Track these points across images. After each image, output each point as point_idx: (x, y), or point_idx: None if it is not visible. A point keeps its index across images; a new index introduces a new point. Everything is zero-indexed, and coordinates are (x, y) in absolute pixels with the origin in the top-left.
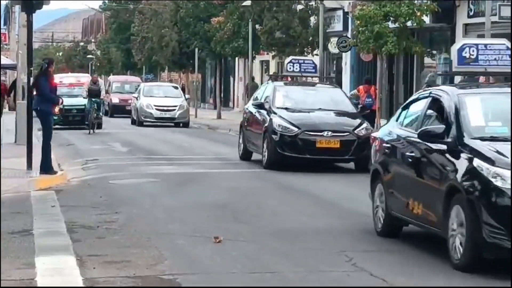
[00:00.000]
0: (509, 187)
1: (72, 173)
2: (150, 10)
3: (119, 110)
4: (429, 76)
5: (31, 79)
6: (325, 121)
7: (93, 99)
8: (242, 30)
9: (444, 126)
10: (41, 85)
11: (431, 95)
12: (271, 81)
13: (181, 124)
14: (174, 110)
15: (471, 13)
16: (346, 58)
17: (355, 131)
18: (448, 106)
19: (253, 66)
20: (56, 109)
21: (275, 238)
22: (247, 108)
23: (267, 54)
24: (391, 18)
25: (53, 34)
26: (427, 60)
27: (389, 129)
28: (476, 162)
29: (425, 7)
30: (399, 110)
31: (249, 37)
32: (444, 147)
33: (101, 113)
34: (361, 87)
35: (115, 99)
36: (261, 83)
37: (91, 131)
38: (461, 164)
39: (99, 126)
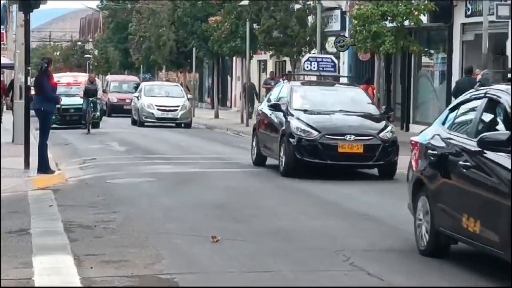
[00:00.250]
0: None
1: (69, 173)
2: (148, 9)
3: (117, 110)
4: (483, 74)
5: (29, 79)
6: (348, 124)
7: (90, 99)
8: (240, 30)
9: (509, 132)
10: (44, 85)
11: (487, 95)
12: (287, 80)
13: (183, 125)
14: (176, 110)
15: (469, 13)
16: (344, 57)
17: (380, 135)
18: None
19: (251, 66)
20: None
21: (273, 238)
22: (260, 110)
23: (265, 53)
24: (389, 18)
25: (50, 33)
26: (424, 60)
27: (434, 134)
28: None
29: (423, 7)
30: (446, 112)
31: (246, 36)
32: (507, 157)
33: (97, 113)
34: (361, 87)
35: (113, 99)
36: (259, 83)
37: (88, 131)
38: None
39: (97, 125)
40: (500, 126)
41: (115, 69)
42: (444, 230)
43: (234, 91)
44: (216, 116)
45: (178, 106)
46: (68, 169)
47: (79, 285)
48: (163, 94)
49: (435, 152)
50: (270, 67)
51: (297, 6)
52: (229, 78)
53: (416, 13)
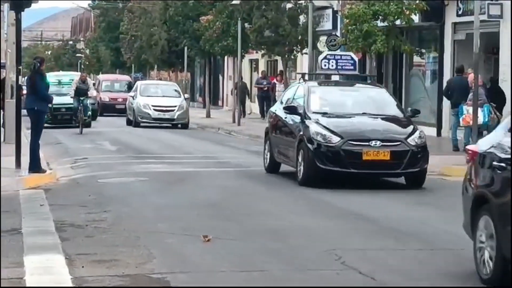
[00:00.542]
0: None
1: (61, 172)
2: (139, 8)
3: (109, 109)
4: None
5: (20, 78)
6: (372, 128)
7: (81, 98)
8: (231, 29)
9: None
10: (38, 85)
11: None
12: (303, 80)
13: (179, 126)
14: (173, 110)
15: (460, 12)
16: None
17: (408, 140)
18: None
19: (242, 65)
20: None
21: (264, 237)
22: (273, 112)
23: (256, 53)
24: (380, 17)
25: (42, 32)
26: (416, 59)
27: (497, 142)
28: None
29: (414, 6)
30: (510, 117)
31: (238, 35)
32: None
33: (89, 112)
34: None
35: (105, 98)
36: (250, 82)
37: (81, 131)
38: None
39: (88, 125)
40: None
41: (107, 68)
42: None
43: (226, 90)
44: (208, 115)
45: (175, 106)
46: (59, 169)
47: (71, 284)
48: (159, 93)
49: (501, 164)
50: (261, 66)
51: (288, 6)
52: (220, 77)
53: (407, 12)
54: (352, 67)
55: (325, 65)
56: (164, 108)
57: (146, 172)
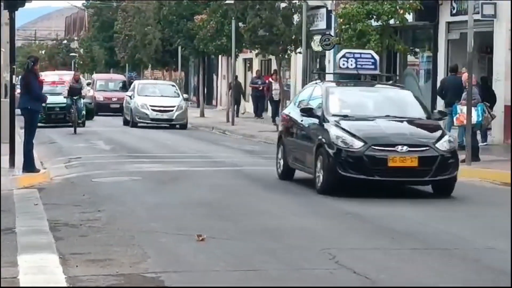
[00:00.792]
0: None
1: (55, 171)
2: (133, 8)
3: (103, 108)
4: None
5: (14, 77)
6: (398, 132)
7: (74, 98)
8: (225, 28)
9: None
10: (32, 84)
11: None
12: (320, 80)
13: (178, 126)
14: (171, 111)
15: (454, 11)
16: (330, 56)
17: (437, 145)
18: None
19: (236, 64)
20: None
21: (258, 236)
22: (287, 114)
23: (250, 52)
24: (374, 16)
25: (35, 32)
26: (410, 58)
27: None
28: None
29: (408, 5)
30: None
31: (232, 35)
32: None
33: (83, 112)
34: None
35: (99, 97)
36: (244, 82)
37: (74, 131)
38: None
39: (83, 124)
40: None
41: (101, 67)
42: None
43: (220, 89)
44: (202, 114)
45: (174, 107)
46: (53, 168)
47: (65, 284)
48: (157, 93)
49: None
50: (255, 65)
51: (282, 5)
52: (214, 76)
53: (401, 11)
54: (372, 66)
55: (343, 64)
56: (163, 108)
57: (140, 171)
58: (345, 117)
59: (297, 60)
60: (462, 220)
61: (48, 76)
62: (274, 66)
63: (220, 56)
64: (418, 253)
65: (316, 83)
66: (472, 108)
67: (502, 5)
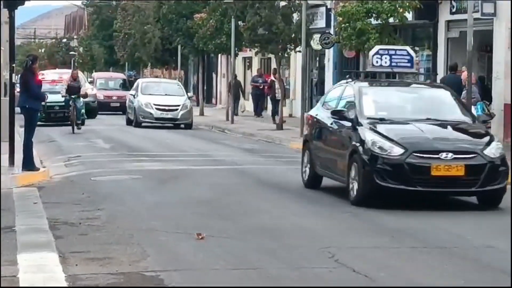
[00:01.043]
0: None
1: (54, 170)
2: (133, 6)
3: (103, 107)
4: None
5: (14, 76)
6: (442, 138)
7: (73, 96)
8: (225, 27)
9: None
10: (30, 83)
11: None
12: (351, 79)
13: (183, 126)
14: (176, 110)
15: (454, 10)
16: (329, 54)
17: (485, 152)
18: None
19: (236, 63)
20: None
21: (258, 235)
22: (314, 117)
23: (250, 50)
24: (374, 15)
25: (35, 30)
26: None
27: None
28: None
29: (408, 4)
30: None
31: (231, 33)
32: None
33: (82, 111)
34: None
35: (100, 96)
36: (244, 80)
37: (74, 130)
38: None
39: (82, 123)
40: None
41: (100, 66)
42: None
43: (219, 88)
44: (201, 113)
45: (178, 106)
46: (53, 166)
47: (64, 282)
48: (161, 92)
49: None
50: (255, 64)
51: (282, 3)
52: (214, 75)
53: (401, 10)
54: (408, 64)
55: (377, 62)
56: (167, 108)
57: (140, 170)
58: (381, 120)
59: (297, 59)
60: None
61: (48, 75)
62: (273, 64)
63: (219, 54)
64: (417, 251)
65: (346, 82)
66: (472, 106)
67: (502, 4)
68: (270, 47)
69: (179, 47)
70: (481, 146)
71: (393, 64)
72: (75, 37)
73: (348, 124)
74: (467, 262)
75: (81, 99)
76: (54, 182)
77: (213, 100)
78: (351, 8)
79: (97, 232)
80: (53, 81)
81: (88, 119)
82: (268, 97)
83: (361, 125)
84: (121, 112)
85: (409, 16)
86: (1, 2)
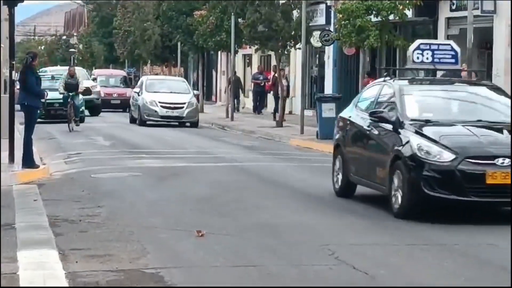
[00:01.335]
0: None
1: (54, 167)
2: (133, 3)
3: (104, 104)
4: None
5: (13, 73)
6: (497, 142)
7: (71, 94)
8: (225, 24)
9: None
10: (28, 80)
11: None
12: (389, 77)
13: (188, 124)
14: (182, 108)
15: (454, 7)
16: (329, 51)
17: None
18: None
19: (236, 60)
20: None
21: (258, 232)
22: (347, 119)
23: (250, 48)
24: (373, 12)
25: (35, 27)
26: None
27: None
28: None
29: (408, 1)
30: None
31: (231, 30)
32: None
33: (82, 107)
34: (364, 80)
35: (100, 93)
36: (244, 77)
37: (71, 128)
38: None
39: (81, 121)
40: None
41: (100, 63)
42: None
43: (219, 85)
44: (201, 110)
45: (184, 104)
46: (52, 164)
47: (64, 279)
48: (166, 89)
49: None
50: (255, 61)
51: (282, 1)
52: (214, 72)
53: (401, 7)
54: (452, 60)
55: (418, 58)
56: (173, 106)
57: (140, 167)
58: (427, 122)
59: (297, 56)
60: None
61: (50, 72)
62: (273, 62)
63: (219, 52)
64: (417, 249)
65: (384, 80)
66: None
67: (502, 1)
68: (270, 44)
69: (179, 44)
70: None
71: (435, 60)
72: (75, 34)
73: (389, 126)
74: (467, 259)
75: (80, 96)
76: (54, 179)
77: (213, 97)
78: (351, 5)
79: (97, 229)
80: (53, 78)
81: (91, 117)
82: (270, 94)
83: (405, 128)
84: (121, 110)
85: (409, 13)
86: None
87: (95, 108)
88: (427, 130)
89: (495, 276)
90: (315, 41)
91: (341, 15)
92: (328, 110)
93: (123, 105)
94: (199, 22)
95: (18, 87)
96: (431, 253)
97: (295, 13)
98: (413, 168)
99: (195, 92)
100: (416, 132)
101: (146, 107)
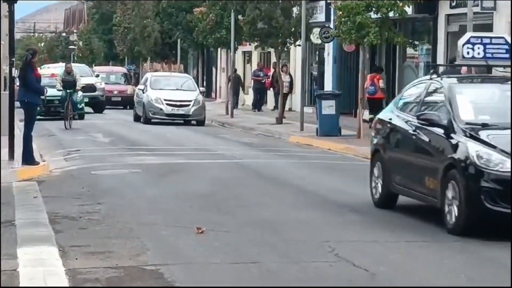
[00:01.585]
0: None
1: (54, 164)
2: (132, 0)
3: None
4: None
5: (13, 70)
6: None
7: (68, 91)
8: (225, 21)
9: None
10: (28, 77)
11: None
12: (437, 75)
13: (195, 122)
14: (188, 105)
15: (453, 4)
16: (329, 48)
17: None
18: None
19: (236, 57)
20: None
21: (257, 229)
22: (387, 121)
23: (250, 45)
24: (373, 9)
25: (35, 24)
26: (409, 51)
27: None
28: None
29: None
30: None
31: (231, 27)
32: None
33: (82, 104)
34: (369, 75)
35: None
36: (244, 74)
37: (67, 125)
38: None
39: (82, 117)
40: None
41: (100, 60)
42: None
43: (219, 82)
44: None
45: (190, 101)
46: (52, 161)
47: (64, 276)
48: (172, 86)
49: None
50: (255, 58)
51: None
52: (214, 69)
53: (400, 4)
54: (507, 55)
55: (468, 53)
56: (178, 103)
57: (139, 164)
58: (484, 126)
59: (297, 53)
60: None
61: (51, 69)
62: (273, 58)
63: (219, 48)
64: (417, 246)
65: (430, 78)
66: None
67: None
68: (269, 41)
69: (178, 41)
70: None
71: (487, 55)
72: (74, 31)
73: (440, 131)
74: (467, 256)
75: (79, 93)
76: (54, 176)
77: (213, 94)
78: (350, 2)
79: (97, 226)
80: (53, 75)
81: (95, 113)
82: (270, 91)
83: (458, 132)
84: (122, 107)
85: (409, 10)
86: None
87: (99, 105)
88: (484, 135)
89: (495, 275)
90: (315, 38)
91: (341, 12)
92: (328, 107)
93: (124, 102)
94: (199, 19)
95: (18, 84)
96: (431, 250)
97: (295, 10)
98: (471, 179)
99: (201, 89)
100: (472, 137)
101: (151, 104)
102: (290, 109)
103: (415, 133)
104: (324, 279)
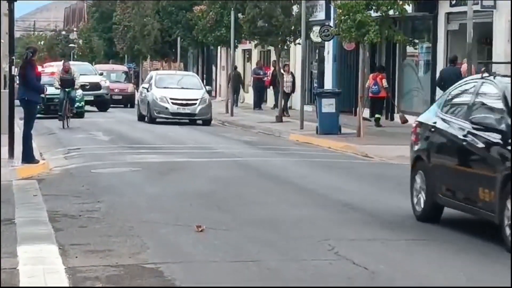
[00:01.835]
0: None
1: (54, 162)
2: None
3: None
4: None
5: (13, 68)
6: None
7: (66, 90)
8: (225, 19)
9: None
10: (28, 75)
11: None
12: (488, 74)
13: (200, 121)
14: (194, 104)
15: (453, 2)
16: (329, 47)
17: None
18: None
19: (236, 55)
20: None
21: (257, 227)
22: (431, 125)
23: (250, 43)
24: (373, 7)
25: (34, 23)
26: (409, 49)
27: None
28: None
29: None
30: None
31: (231, 26)
32: None
33: (81, 103)
34: (371, 75)
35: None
36: (243, 73)
37: (65, 125)
38: None
39: (77, 115)
40: None
41: (100, 58)
42: None
43: (219, 80)
44: None
45: (196, 100)
46: (52, 159)
47: (64, 274)
48: (177, 85)
49: None
50: (255, 56)
51: None
52: (213, 67)
53: (400, 2)
54: None
55: None
56: (184, 102)
57: (139, 162)
58: None
59: (296, 51)
60: None
61: (51, 67)
62: (273, 57)
63: (219, 47)
64: (416, 244)
65: (482, 77)
66: None
67: None
68: (269, 39)
69: (178, 39)
70: None
71: None
72: (74, 29)
73: (497, 137)
74: (466, 255)
75: (78, 91)
76: (54, 174)
77: (213, 93)
78: (350, 1)
79: (97, 224)
80: (52, 73)
81: (99, 112)
82: (270, 89)
83: None
84: (123, 105)
85: (409, 8)
86: None
87: (104, 103)
88: None
89: (496, 274)
90: (315, 36)
91: (340, 10)
92: (328, 105)
93: (125, 100)
94: (198, 17)
95: (18, 82)
96: (430, 248)
97: (295, 8)
98: None
99: (207, 87)
100: None
101: (156, 103)
102: (290, 108)
103: (466, 139)
104: (323, 277)
